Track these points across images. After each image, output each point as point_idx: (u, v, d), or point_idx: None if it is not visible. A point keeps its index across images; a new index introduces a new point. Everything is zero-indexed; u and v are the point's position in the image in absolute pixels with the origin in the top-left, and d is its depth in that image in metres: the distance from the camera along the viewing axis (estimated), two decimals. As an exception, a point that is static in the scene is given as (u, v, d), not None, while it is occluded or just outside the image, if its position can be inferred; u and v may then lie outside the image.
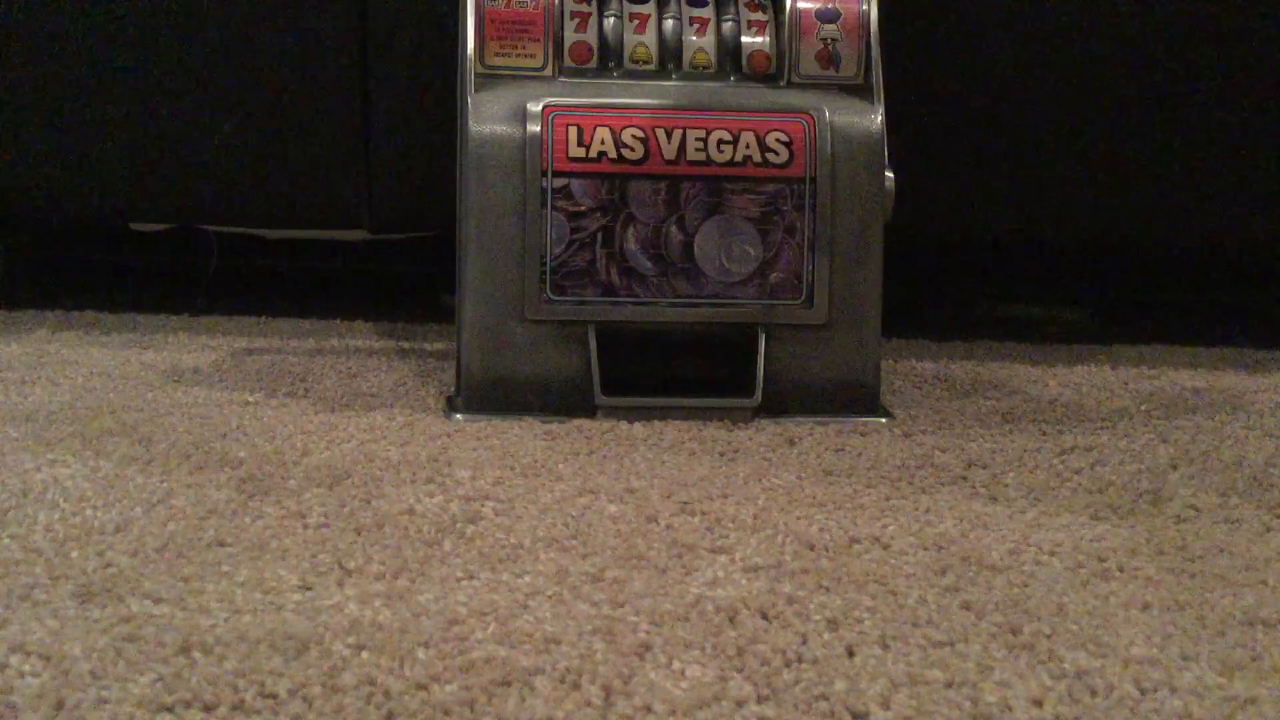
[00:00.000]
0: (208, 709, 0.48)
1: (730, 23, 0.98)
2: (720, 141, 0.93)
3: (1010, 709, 0.50)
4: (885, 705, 0.50)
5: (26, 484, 0.73)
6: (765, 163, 0.93)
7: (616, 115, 0.93)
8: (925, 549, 0.66)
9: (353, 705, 0.49)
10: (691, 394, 0.94)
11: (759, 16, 0.98)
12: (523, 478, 0.77)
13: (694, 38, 0.97)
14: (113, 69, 1.18)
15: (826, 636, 0.56)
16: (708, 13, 0.98)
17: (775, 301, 0.94)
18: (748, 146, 0.93)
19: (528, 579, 0.61)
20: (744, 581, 0.62)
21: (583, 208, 0.92)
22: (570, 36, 0.96)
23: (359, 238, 1.47)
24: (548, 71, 0.95)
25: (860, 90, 0.97)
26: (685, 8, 0.98)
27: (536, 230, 0.92)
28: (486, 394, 0.92)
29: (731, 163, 0.93)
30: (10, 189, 1.23)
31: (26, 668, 0.51)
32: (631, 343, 0.94)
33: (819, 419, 0.93)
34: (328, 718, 0.48)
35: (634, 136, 0.92)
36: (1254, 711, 0.50)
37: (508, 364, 0.92)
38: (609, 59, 0.97)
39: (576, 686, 0.51)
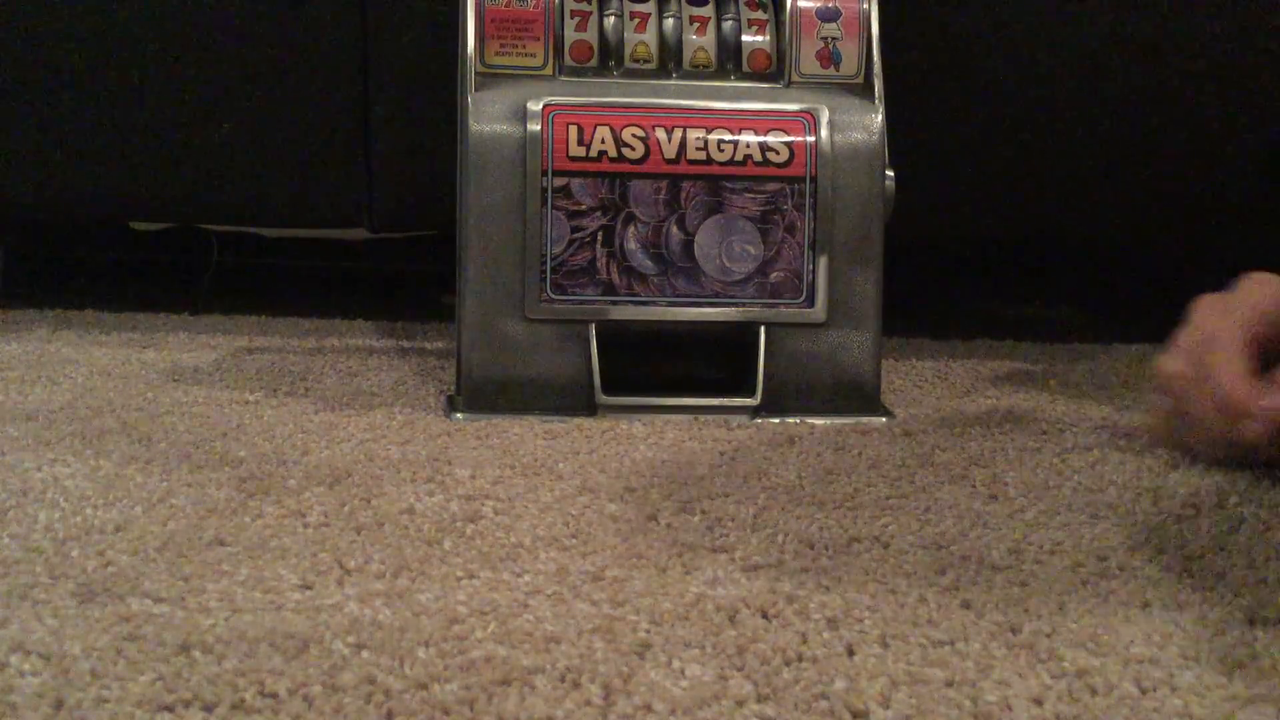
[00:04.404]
0: (208, 709, 0.48)
1: (730, 22, 0.98)
2: (720, 141, 0.93)
3: (1010, 708, 0.50)
4: (885, 704, 0.50)
5: (26, 483, 0.73)
6: (765, 162, 0.93)
7: (617, 114, 0.93)
8: (925, 549, 0.66)
9: (353, 704, 0.49)
10: (691, 393, 0.94)
11: (759, 15, 0.98)
12: (523, 477, 0.77)
13: (694, 36, 0.97)
14: (113, 68, 1.18)
15: (826, 636, 0.56)
16: (708, 12, 0.98)
17: (775, 300, 0.94)
18: (748, 146, 0.93)
19: (528, 578, 0.61)
20: (744, 581, 0.61)
21: (583, 207, 0.92)
22: (570, 35, 0.96)
23: (359, 237, 1.47)
24: (548, 71, 0.95)
25: (860, 90, 0.97)
26: (685, 6, 0.98)
27: (536, 229, 0.92)
28: (486, 393, 0.92)
29: (732, 162, 0.93)
30: (10, 189, 1.23)
31: (26, 667, 0.51)
32: (631, 342, 0.94)
33: (819, 418, 0.93)
34: (328, 717, 0.48)
35: (634, 135, 0.92)
36: (1254, 711, 0.50)
37: (508, 363, 0.92)
38: (609, 58, 0.97)
39: (576, 685, 0.50)
